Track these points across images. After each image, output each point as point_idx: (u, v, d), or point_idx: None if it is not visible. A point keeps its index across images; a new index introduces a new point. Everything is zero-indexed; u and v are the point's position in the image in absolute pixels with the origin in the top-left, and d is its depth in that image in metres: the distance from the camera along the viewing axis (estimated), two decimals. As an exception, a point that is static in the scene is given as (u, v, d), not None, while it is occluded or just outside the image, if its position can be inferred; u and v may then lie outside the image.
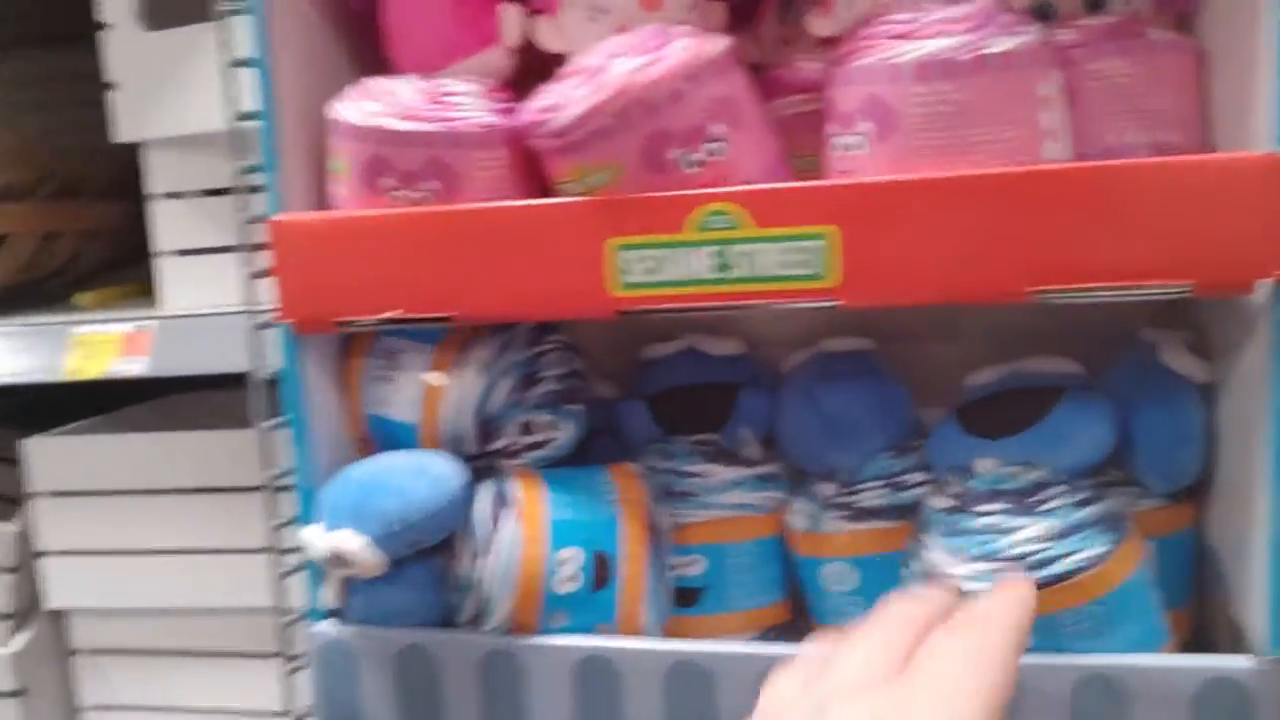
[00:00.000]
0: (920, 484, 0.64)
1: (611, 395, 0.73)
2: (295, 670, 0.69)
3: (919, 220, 0.53)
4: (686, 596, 0.67)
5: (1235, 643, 0.58)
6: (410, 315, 0.60)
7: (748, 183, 0.56)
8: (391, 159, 0.59)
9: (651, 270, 0.56)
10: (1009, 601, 0.42)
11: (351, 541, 0.59)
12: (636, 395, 0.71)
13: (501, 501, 0.61)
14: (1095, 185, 0.51)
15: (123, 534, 0.90)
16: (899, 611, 0.43)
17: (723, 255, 0.55)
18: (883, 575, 0.63)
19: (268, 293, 0.63)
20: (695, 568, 0.67)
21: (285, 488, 0.67)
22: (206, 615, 0.91)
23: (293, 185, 0.63)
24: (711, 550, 0.67)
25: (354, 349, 0.67)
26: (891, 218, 0.53)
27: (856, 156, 0.55)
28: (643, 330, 0.74)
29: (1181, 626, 0.62)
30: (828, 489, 0.66)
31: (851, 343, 0.69)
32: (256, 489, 0.83)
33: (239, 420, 0.80)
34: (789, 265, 0.54)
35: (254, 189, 0.66)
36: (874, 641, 0.41)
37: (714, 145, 0.56)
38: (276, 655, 0.81)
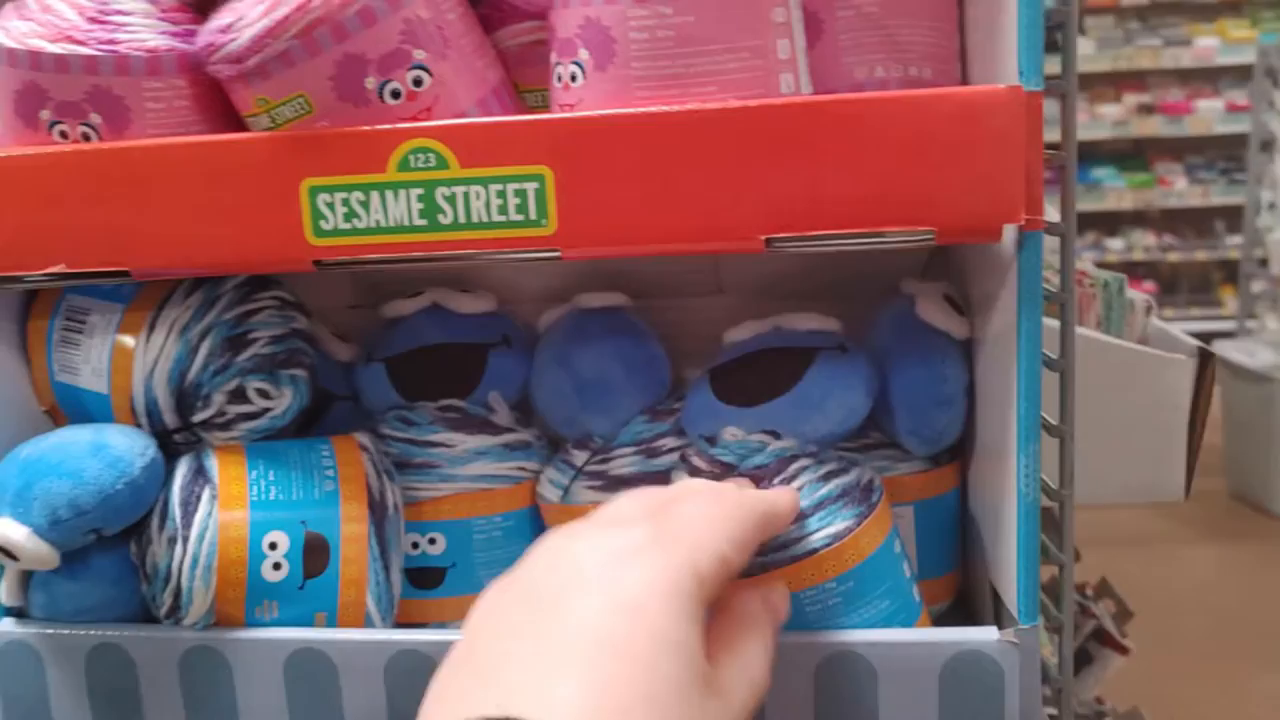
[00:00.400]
0: (675, 449, 0.59)
1: (350, 358, 0.66)
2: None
3: (640, 161, 0.47)
4: (427, 577, 0.61)
5: (997, 610, 0.55)
6: (77, 270, 0.52)
7: (462, 118, 0.50)
8: (48, 88, 0.50)
9: (350, 216, 0.49)
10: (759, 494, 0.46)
11: (12, 531, 0.51)
12: (375, 358, 0.65)
13: (198, 480, 0.54)
14: (830, 121, 0.46)
15: None
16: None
17: (429, 199, 0.48)
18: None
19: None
20: (436, 546, 0.61)
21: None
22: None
23: (-59, 119, 0.54)
24: (454, 526, 0.61)
25: (36, 308, 0.59)
26: (608, 157, 0.47)
27: (575, 89, 0.49)
28: (385, 286, 0.67)
29: (947, 593, 0.59)
30: (580, 456, 0.61)
31: (606, 298, 0.63)
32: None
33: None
34: (503, 210, 0.48)
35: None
36: (631, 498, 0.43)
37: (417, 73, 0.49)
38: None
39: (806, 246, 0.47)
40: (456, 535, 0.61)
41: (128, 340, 0.56)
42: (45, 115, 0.51)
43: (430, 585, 0.61)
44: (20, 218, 0.52)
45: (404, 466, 0.61)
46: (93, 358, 0.57)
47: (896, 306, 0.59)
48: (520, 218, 0.48)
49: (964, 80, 0.55)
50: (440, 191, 0.48)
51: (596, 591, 0.34)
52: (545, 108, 0.56)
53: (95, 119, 0.51)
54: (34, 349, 0.59)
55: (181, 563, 0.53)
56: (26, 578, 0.55)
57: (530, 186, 0.48)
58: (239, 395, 0.57)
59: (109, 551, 0.54)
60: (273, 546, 0.53)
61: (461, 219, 0.48)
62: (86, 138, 0.51)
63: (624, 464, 0.59)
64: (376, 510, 0.56)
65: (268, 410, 0.58)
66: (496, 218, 0.48)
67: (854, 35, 0.53)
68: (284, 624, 0.54)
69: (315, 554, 0.54)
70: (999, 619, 0.55)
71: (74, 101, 0.50)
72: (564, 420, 0.63)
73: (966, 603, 0.61)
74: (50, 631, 0.55)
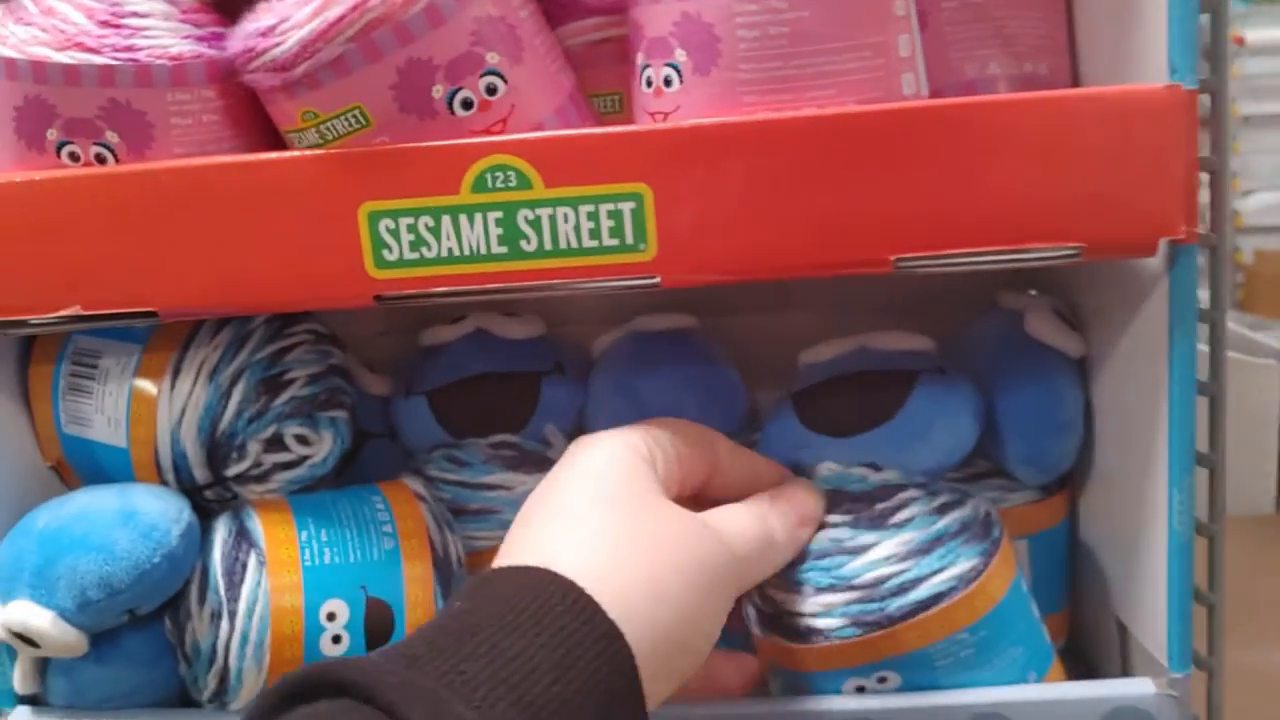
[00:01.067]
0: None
1: (384, 391, 0.60)
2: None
3: (750, 175, 0.42)
4: (487, 635, 0.55)
5: (1123, 648, 0.51)
6: (95, 312, 0.45)
7: (539, 129, 0.44)
8: (56, 104, 0.44)
9: (418, 244, 0.43)
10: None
11: (34, 617, 0.44)
12: (415, 390, 0.58)
13: (242, 545, 0.48)
14: (966, 126, 0.41)
15: None
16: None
17: (509, 224, 0.42)
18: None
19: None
20: (496, 600, 0.55)
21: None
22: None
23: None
24: (515, 577, 0.55)
25: (38, 352, 0.52)
26: (715, 172, 0.42)
27: (670, 95, 0.44)
28: (418, 310, 0.61)
29: (1059, 632, 0.55)
30: (651, 494, 0.55)
31: (669, 320, 0.58)
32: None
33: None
34: (595, 234, 0.42)
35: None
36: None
37: (490, 80, 0.43)
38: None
39: (938, 267, 0.42)
40: (519, 586, 0.55)
41: (149, 386, 0.49)
42: (52, 135, 0.44)
43: (491, 643, 0.55)
44: (25, 253, 0.45)
45: (458, 513, 0.55)
46: (107, 407, 0.50)
47: (998, 321, 0.54)
48: (615, 242, 0.42)
49: (1074, 77, 0.50)
50: (522, 215, 0.42)
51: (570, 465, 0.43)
52: (618, 115, 0.50)
53: (112, 138, 0.44)
54: (37, 397, 0.52)
55: (229, 641, 0.46)
56: (44, 662, 0.48)
57: (626, 207, 0.42)
58: (276, 443, 0.51)
59: (141, 630, 0.47)
60: (331, 617, 0.47)
61: (547, 245, 0.43)
62: (101, 160, 0.44)
63: (702, 502, 0.54)
64: (441, 568, 0.50)
65: (307, 458, 0.52)
66: (588, 243, 0.43)
67: (962, 28, 0.48)
68: (344, 702, 0.48)
69: (379, 623, 0.48)
70: (1126, 661, 0.51)
71: (86, 119, 0.44)
72: (628, 453, 0.57)
73: (1075, 642, 0.56)
74: (73, 721, 0.49)
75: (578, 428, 0.58)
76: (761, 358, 0.58)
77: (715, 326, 0.59)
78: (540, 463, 0.56)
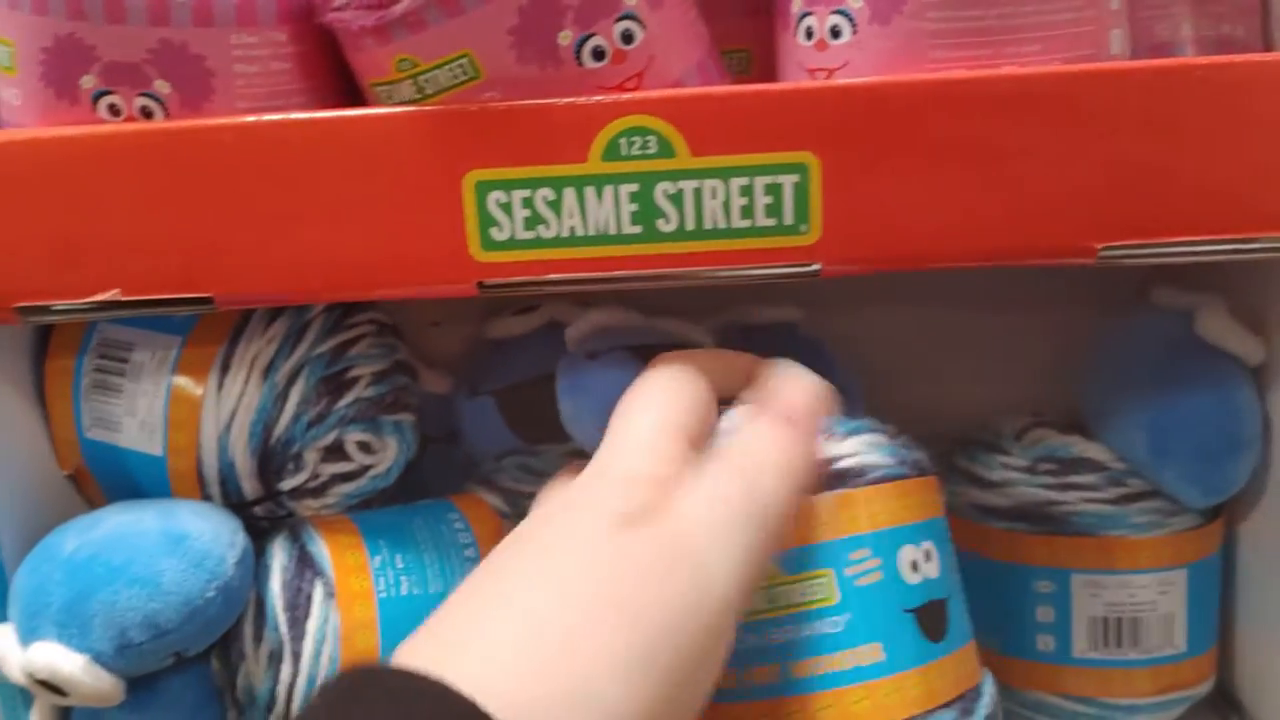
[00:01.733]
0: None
1: (444, 390, 0.53)
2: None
3: (936, 144, 0.35)
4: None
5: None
6: (139, 298, 0.38)
7: (678, 87, 0.37)
8: (95, 45, 0.36)
9: (535, 222, 0.36)
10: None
11: (63, 663, 0.37)
12: (482, 390, 0.51)
13: (305, 573, 0.41)
14: (1193, 92, 0.35)
15: None
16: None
17: (646, 199, 0.36)
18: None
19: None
20: (581, 630, 0.48)
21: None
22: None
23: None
24: (602, 604, 0.48)
25: (56, 343, 0.45)
26: (895, 141, 0.35)
27: (838, 48, 0.37)
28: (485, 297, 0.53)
29: (1210, 669, 0.49)
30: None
31: (773, 312, 0.51)
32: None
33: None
34: (748, 213, 0.36)
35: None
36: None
37: (626, 25, 0.36)
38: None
39: (1148, 257, 0.36)
40: (606, 615, 0.48)
41: (191, 385, 0.42)
42: (89, 83, 0.37)
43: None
44: (52, 225, 0.37)
45: (538, 531, 0.48)
46: (140, 409, 0.42)
47: (1155, 322, 0.47)
48: (771, 222, 0.36)
49: (1266, 43, 0.44)
50: (662, 188, 0.35)
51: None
52: (745, 78, 0.43)
53: (161, 87, 0.37)
54: (54, 397, 0.44)
55: (291, 686, 0.39)
56: (66, 711, 0.41)
57: (788, 180, 0.35)
58: (336, 452, 0.44)
59: (184, 672, 0.40)
60: (409, 658, 0.40)
61: (689, 225, 0.36)
62: (148, 114, 0.37)
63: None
64: (530, 599, 0.43)
65: (369, 468, 0.45)
66: (739, 223, 0.36)
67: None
68: (423, 757, 0.41)
69: (462, 664, 0.41)
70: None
71: (132, 63, 0.36)
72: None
73: (1226, 684, 0.50)
74: (100, 779, 0.41)
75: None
76: (869, 357, 0.52)
77: (818, 321, 0.52)
78: (626, 473, 0.49)
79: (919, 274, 0.53)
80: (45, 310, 0.39)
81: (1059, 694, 0.47)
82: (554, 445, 0.50)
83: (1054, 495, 0.47)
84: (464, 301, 0.54)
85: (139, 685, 0.39)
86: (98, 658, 0.37)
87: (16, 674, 0.38)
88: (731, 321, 0.51)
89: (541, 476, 0.49)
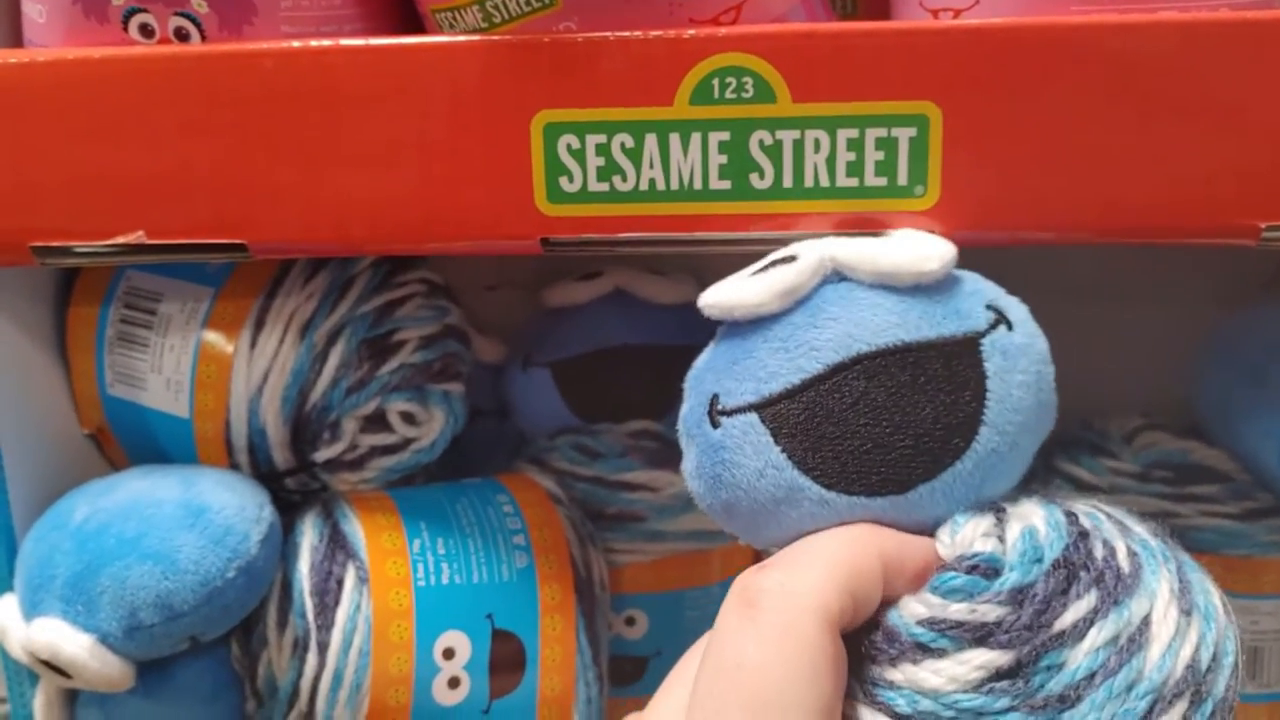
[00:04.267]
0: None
1: (497, 359, 0.49)
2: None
3: (1077, 99, 0.30)
4: (623, 670, 0.44)
5: None
6: (165, 241, 0.34)
7: (779, 23, 0.32)
8: (127, -45, 0.32)
9: (610, 172, 0.32)
10: None
11: (67, 643, 0.33)
12: (536, 361, 0.47)
13: (337, 555, 0.37)
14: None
15: None
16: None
17: (739, 150, 0.31)
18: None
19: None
20: (636, 628, 0.44)
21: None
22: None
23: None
24: (660, 602, 0.44)
25: (80, 290, 0.41)
26: (1029, 92, 0.30)
27: (965, -16, 0.32)
28: (543, 259, 0.49)
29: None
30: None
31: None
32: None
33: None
34: (856, 170, 0.31)
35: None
36: None
37: (726, -50, 0.31)
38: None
39: (1321, 239, 0.31)
40: (663, 613, 0.44)
41: (222, 342, 0.38)
42: (119, 3, 0.33)
43: (626, 680, 0.44)
44: (74, 158, 0.33)
45: (593, 519, 0.44)
46: (167, 365, 0.39)
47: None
48: (882, 181, 0.31)
49: None
50: (758, 138, 0.31)
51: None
52: (847, 14, 0.38)
53: (200, 6, 0.33)
54: (76, 347, 0.41)
55: (316, 679, 0.35)
56: (73, 692, 0.37)
57: (904, 134, 0.31)
58: (377, 421, 0.40)
59: (200, 658, 0.37)
60: (449, 654, 0.36)
61: (787, 182, 0.31)
62: (183, 36, 0.33)
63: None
64: (583, 593, 0.39)
65: (412, 441, 0.41)
66: (844, 181, 0.31)
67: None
68: (459, 764, 0.37)
69: (506, 662, 0.37)
70: None
71: (167, -21, 0.32)
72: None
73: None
74: (108, 767, 0.38)
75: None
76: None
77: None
78: (690, 459, 0.45)
79: (1022, 255, 0.48)
80: (65, 252, 0.35)
81: None
82: (611, 424, 0.46)
83: (1169, 506, 0.42)
84: (522, 263, 0.50)
85: (150, 670, 0.36)
86: (105, 639, 0.33)
87: (18, 651, 0.35)
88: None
89: (597, 458, 0.45)
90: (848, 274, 0.27)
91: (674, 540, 0.44)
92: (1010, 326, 0.27)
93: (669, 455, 0.45)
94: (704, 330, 0.47)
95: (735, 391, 0.27)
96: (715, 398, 0.27)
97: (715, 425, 0.27)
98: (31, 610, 0.34)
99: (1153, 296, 0.48)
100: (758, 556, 0.46)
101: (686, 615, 0.44)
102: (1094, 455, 0.44)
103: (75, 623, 0.33)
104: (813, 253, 0.27)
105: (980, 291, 0.27)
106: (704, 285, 0.47)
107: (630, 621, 0.44)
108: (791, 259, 0.27)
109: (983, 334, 0.26)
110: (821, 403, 0.26)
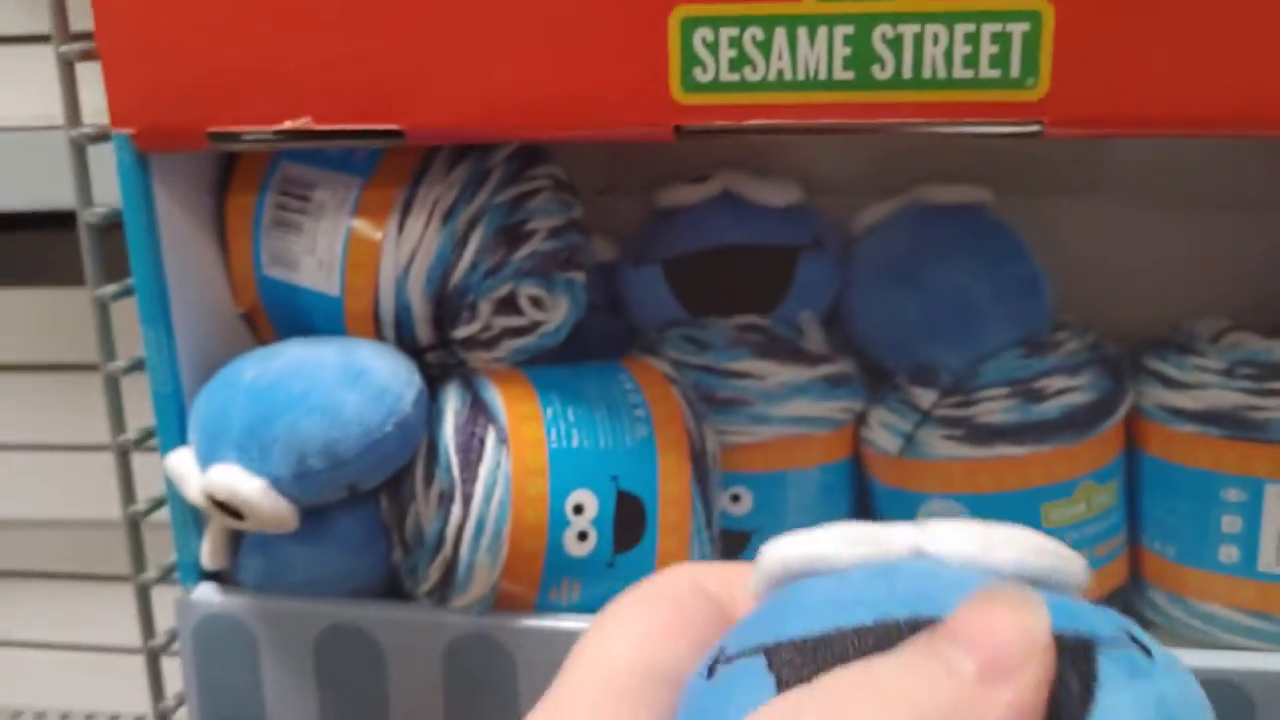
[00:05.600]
0: (1062, 391, 0.45)
1: (610, 257, 0.52)
2: (162, 649, 0.48)
3: (1192, -7, 0.32)
4: (728, 543, 0.48)
5: None
6: (330, 127, 0.37)
7: (900, -77, 0.35)
8: None
9: (741, 63, 0.34)
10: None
11: (242, 485, 0.37)
12: (649, 259, 0.50)
13: (478, 419, 0.40)
14: None
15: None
16: None
17: (862, 42, 0.34)
18: (1008, 522, 0.45)
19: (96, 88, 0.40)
20: (741, 505, 0.48)
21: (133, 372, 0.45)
22: (47, 527, 0.70)
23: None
24: (764, 480, 0.47)
25: (238, 178, 0.45)
26: (1143, -12, 0.32)
27: (1081, -115, 0.34)
28: (654, 158, 0.52)
29: None
30: (925, 396, 0.47)
31: (960, 192, 0.49)
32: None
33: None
34: (971, 62, 0.33)
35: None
36: None
37: None
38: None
39: None
40: (766, 491, 0.48)
41: (371, 227, 0.42)
42: (294, -99, 0.36)
43: (730, 554, 0.48)
44: (245, 46, 0.37)
45: (702, 402, 0.47)
46: (320, 248, 0.42)
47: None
48: (995, 74, 0.33)
49: None
50: (880, 31, 0.33)
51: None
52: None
53: (367, -91, 0.36)
54: (234, 232, 0.44)
55: (460, 528, 0.39)
56: (238, 535, 0.42)
57: (1017, 29, 0.33)
58: (508, 305, 0.43)
59: (354, 508, 0.41)
60: (579, 510, 0.40)
61: (906, 73, 0.34)
62: (351, -63, 0.36)
63: (995, 409, 0.46)
64: (698, 463, 0.43)
65: (539, 325, 0.44)
66: (960, 73, 0.33)
67: None
68: (584, 610, 0.41)
69: (629, 520, 0.41)
70: None
71: (338, -118, 0.35)
72: (896, 349, 0.49)
73: None
74: (269, 605, 0.42)
75: (834, 313, 0.50)
76: (1058, 247, 0.49)
77: (1009, 206, 0.49)
78: (792, 353, 0.48)
79: (1122, 158, 0.50)
80: (234, 138, 0.39)
81: (1237, 608, 0.45)
82: (719, 318, 0.49)
83: (1253, 400, 0.44)
84: (633, 167, 0.53)
85: (311, 516, 0.40)
86: (276, 483, 0.37)
87: (195, 494, 0.39)
88: (914, 202, 0.49)
89: (706, 349, 0.48)
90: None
91: (779, 424, 0.47)
92: (1147, 652, 0.18)
93: (774, 347, 0.48)
94: (806, 231, 0.50)
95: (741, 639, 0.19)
96: (723, 649, 0.19)
97: (709, 675, 0.19)
98: (208, 458, 0.39)
99: (1242, 203, 0.49)
100: (857, 442, 0.49)
101: (789, 495, 0.48)
102: (1181, 354, 0.46)
103: (250, 468, 0.37)
104: (905, 536, 0.20)
105: (1112, 615, 0.19)
106: (809, 189, 0.50)
107: (735, 498, 0.47)
108: (878, 540, 0.20)
109: (1105, 643, 0.18)
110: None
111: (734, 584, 0.22)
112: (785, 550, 0.20)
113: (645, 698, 0.20)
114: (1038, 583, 0.19)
